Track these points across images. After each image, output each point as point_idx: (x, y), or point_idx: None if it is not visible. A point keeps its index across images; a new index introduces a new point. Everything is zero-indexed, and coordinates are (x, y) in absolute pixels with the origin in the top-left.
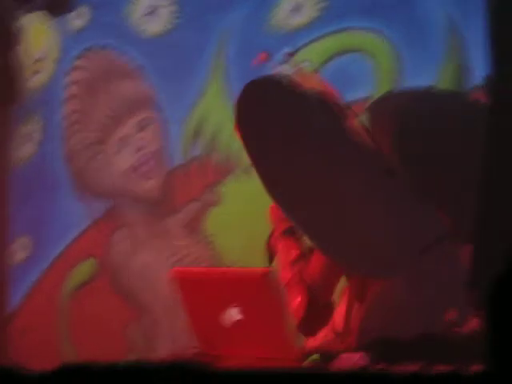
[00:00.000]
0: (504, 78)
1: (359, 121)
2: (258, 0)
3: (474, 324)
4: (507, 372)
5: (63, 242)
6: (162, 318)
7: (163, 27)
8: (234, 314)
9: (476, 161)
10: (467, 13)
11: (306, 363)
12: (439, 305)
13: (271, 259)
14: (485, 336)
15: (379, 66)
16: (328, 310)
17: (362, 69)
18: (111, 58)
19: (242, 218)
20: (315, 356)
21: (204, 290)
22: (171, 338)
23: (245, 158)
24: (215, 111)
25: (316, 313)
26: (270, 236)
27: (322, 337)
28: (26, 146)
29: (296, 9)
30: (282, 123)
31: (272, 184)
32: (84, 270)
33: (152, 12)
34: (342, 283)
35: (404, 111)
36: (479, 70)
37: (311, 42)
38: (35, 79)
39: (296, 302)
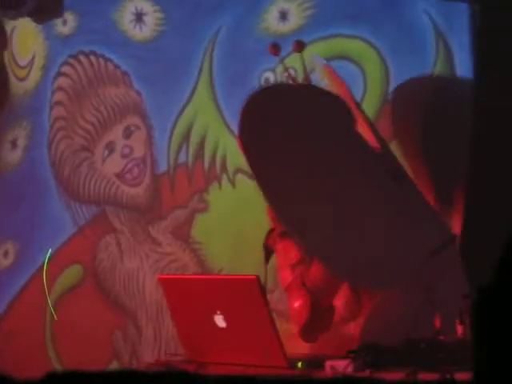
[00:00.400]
0: (488, 82)
1: (366, 119)
2: (246, 7)
3: (459, 332)
4: (494, 381)
5: (50, 248)
6: (147, 324)
7: (150, 34)
8: (220, 321)
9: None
10: (452, 19)
11: (292, 370)
12: (426, 312)
13: (268, 258)
14: (471, 345)
15: (366, 73)
16: (329, 314)
17: (350, 75)
18: (98, 65)
19: (229, 225)
20: (302, 363)
21: (190, 297)
22: (156, 345)
23: (231, 165)
24: (202, 118)
25: (318, 318)
26: (268, 235)
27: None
28: (12, 152)
29: (283, 16)
30: (285, 132)
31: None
32: (70, 276)
33: (139, 19)
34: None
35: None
36: (465, 74)
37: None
38: (22, 85)
39: (297, 306)
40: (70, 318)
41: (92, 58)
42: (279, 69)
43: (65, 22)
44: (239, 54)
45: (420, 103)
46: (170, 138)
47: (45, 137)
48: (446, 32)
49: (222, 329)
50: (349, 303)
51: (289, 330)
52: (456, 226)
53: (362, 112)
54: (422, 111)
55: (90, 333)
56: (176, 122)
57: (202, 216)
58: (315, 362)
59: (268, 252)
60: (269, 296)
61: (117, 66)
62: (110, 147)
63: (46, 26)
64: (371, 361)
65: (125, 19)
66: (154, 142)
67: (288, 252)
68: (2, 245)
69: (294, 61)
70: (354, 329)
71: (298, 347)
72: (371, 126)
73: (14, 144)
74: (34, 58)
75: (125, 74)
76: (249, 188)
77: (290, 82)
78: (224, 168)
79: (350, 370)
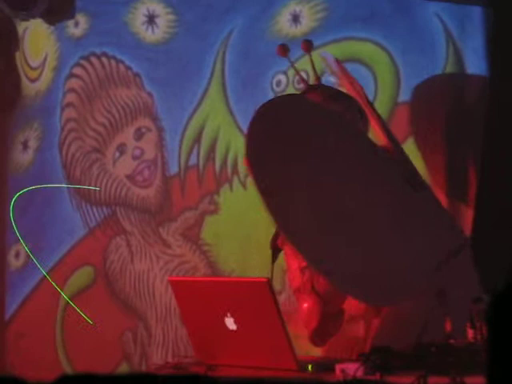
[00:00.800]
0: (502, 86)
1: (380, 119)
2: (259, 9)
3: (470, 336)
4: None
5: (61, 250)
6: (156, 326)
7: (162, 36)
8: (230, 324)
9: None
10: (464, 22)
11: (303, 373)
12: (437, 316)
13: (275, 257)
14: (484, 349)
15: (378, 76)
16: (339, 318)
17: (361, 78)
18: (109, 66)
19: (239, 227)
20: (312, 366)
21: (201, 299)
22: (166, 347)
23: (242, 167)
24: (213, 120)
25: (327, 322)
26: (277, 235)
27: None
28: (24, 153)
29: (295, 18)
30: (296, 143)
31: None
32: (81, 277)
33: (151, 21)
34: None
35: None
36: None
37: (293, 62)
38: (34, 86)
39: (307, 311)
40: (81, 319)
41: (103, 59)
42: (291, 71)
43: (76, 24)
44: (251, 57)
45: (440, 102)
46: (181, 140)
47: (56, 138)
48: (458, 35)
49: (233, 331)
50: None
51: (297, 332)
52: (467, 228)
53: (376, 111)
54: (442, 110)
55: (100, 334)
56: (187, 124)
57: (212, 218)
58: (325, 365)
59: (275, 251)
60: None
61: (128, 68)
62: (121, 149)
63: (57, 27)
64: (382, 364)
65: (137, 21)
66: (165, 143)
67: (298, 254)
68: (13, 246)
69: (305, 63)
70: (364, 332)
71: (308, 350)
72: (384, 126)
73: (25, 145)
74: (45, 59)
75: (136, 75)
76: None
77: (301, 84)
78: (235, 170)
79: (360, 373)
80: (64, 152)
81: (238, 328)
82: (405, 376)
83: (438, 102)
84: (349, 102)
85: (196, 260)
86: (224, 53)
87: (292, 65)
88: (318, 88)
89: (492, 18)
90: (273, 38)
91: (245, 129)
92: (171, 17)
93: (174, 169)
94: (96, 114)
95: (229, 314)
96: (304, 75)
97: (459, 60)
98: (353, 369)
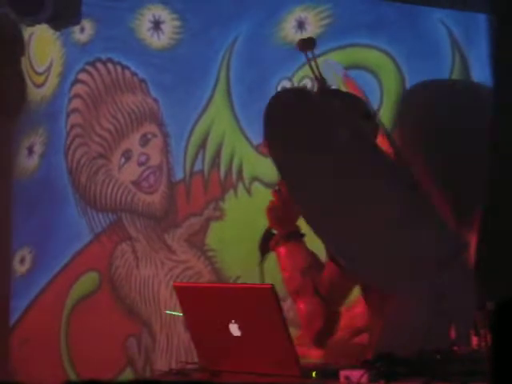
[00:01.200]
0: (507, 92)
1: (382, 127)
2: (264, 15)
3: (474, 343)
4: None
5: (66, 255)
6: (161, 332)
7: (168, 42)
8: (234, 330)
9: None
10: (469, 29)
11: (306, 380)
12: (441, 323)
13: (263, 258)
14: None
15: (383, 82)
16: (336, 319)
17: (366, 85)
18: (115, 72)
19: (244, 233)
20: (316, 372)
21: (205, 305)
22: (170, 353)
23: (247, 173)
24: (218, 126)
25: (328, 323)
26: (267, 236)
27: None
28: (29, 159)
29: (301, 25)
30: (306, 134)
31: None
32: (86, 283)
33: (157, 27)
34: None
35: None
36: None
37: (315, 57)
38: (39, 91)
39: (311, 313)
40: (86, 325)
41: (109, 65)
42: (296, 77)
43: (82, 30)
44: (256, 63)
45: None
46: (187, 146)
47: (61, 144)
48: (463, 42)
49: (237, 337)
50: (365, 313)
51: (302, 339)
52: (472, 236)
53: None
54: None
55: (104, 339)
56: (192, 130)
57: (217, 224)
58: (329, 372)
59: (264, 252)
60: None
61: (134, 74)
62: (127, 155)
63: (63, 32)
64: (386, 371)
65: (142, 27)
66: (170, 149)
67: (295, 255)
68: (18, 251)
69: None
70: (368, 339)
71: (312, 356)
72: (387, 133)
73: (30, 150)
74: (51, 64)
75: (142, 81)
76: (265, 196)
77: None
78: (240, 176)
79: (364, 380)
80: (69, 158)
81: (242, 334)
82: (409, 383)
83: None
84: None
85: (201, 266)
86: (229, 59)
87: (310, 61)
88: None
89: (497, 25)
90: (278, 44)
91: (250, 134)
92: (177, 23)
93: (179, 175)
94: (102, 119)
95: (233, 321)
96: (308, 81)
97: (464, 67)
98: (357, 376)
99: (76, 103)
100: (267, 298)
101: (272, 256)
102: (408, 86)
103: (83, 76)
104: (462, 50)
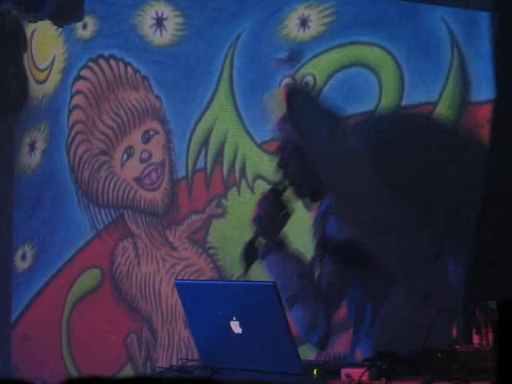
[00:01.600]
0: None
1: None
2: (267, 13)
3: (475, 342)
4: None
5: (68, 252)
6: (162, 329)
7: (170, 39)
8: (236, 327)
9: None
10: (471, 27)
11: (308, 377)
12: (442, 322)
13: (247, 269)
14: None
15: (382, 80)
16: (331, 319)
17: (367, 83)
18: (118, 69)
19: (246, 231)
20: (317, 370)
21: (206, 302)
22: (171, 350)
23: (250, 171)
24: (221, 124)
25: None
26: (255, 242)
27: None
28: (31, 155)
29: (304, 22)
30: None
31: None
32: (89, 279)
33: (159, 23)
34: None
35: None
36: (482, 83)
37: (317, 54)
38: (41, 88)
39: (312, 316)
40: (87, 321)
41: (112, 61)
42: (298, 75)
43: (85, 26)
44: (259, 60)
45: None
46: (189, 143)
47: (63, 140)
48: (464, 40)
49: (238, 335)
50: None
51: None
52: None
53: None
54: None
55: (105, 336)
56: (195, 127)
57: (219, 222)
58: (331, 370)
59: (248, 264)
60: None
61: (136, 71)
62: (129, 152)
63: (66, 29)
64: (387, 369)
65: (145, 24)
66: (172, 147)
67: (291, 262)
68: (19, 247)
69: (311, 67)
70: (368, 337)
71: (313, 355)
72: None
73: (32, 147)
74: (53, 61)
75: (144, 78)
76: None
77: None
78: (243, 174)
79: (365, 378)
80: (72, 154)
81: (243, 331)
82: (410, 381)
83: None
84: None
85: (202, 263)
86: (232, 56)
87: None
88: None
89: (498, 24)
90: (281, 41)
91: (253, 132)
92: (179, 20)
93: (181, 172)
94: (104, 116)
95: (234, 318)
96: (310, 79)
97: (464, 65)
98: (358, 374)
99: (78, 100)
100: (269, 296)
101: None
102: (407, 83)
103: (85, 72)
104: (462, 49)
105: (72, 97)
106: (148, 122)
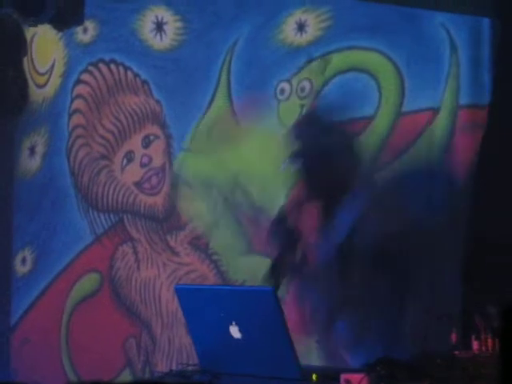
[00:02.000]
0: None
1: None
2: (264, 18)
3: (475, 348)
4: None
5: (68, 256)
6: (161, 333)
7: (170, 43)
8: (235, 332)
9: None
10: (471, 34)
11: (307, 382)
12: (442, 328)
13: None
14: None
15: (382, 85)
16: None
17: (365, 87)
18: (118, 73)
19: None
20: (316, 375)
21: (205, 307)
22: (170, 355)
23: (247, 175)
24: (219, 128)
25: None
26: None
27: None
28: (31, 159)
29: (301, 27)
30: None
31: None
32: (88, 283)
33: (159, 28)
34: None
35: None
36: (481, 89)
37: (315, 59)
38: (41, 92)
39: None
40: (86, 326)
41: (112, 66)
42: (295, 80)
43: (85, 30)
44: (256, 65)
45: None
46: None
47: (63, 144)
48: (462, 46)
49: (237, 340)
50: None
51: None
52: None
53: None
54: None
55: (104, 340)
56: (194, 131)
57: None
58: (330, 375)
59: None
60: None
61: (136, 75)
62: (129, 156)
63: (66, 33)
64: (386, 374)
65: (145, 28)
66: (172, 151)
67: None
68: (19, 252)
69: (308, 72)
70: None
71: (313, 360)
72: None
73: (32, 151)
74: (53, 65)
75: (144, 82)
76: None
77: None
78: (242, 178)
79: (364, 383)
80: (72, 158)
81: (242, 336)
82: None
83: None
84: None
85: (205, 269)
86: (230, 61)
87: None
88: None
89: (498, 30)
90: (278, 46)
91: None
92: (179, 24)
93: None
94: (104, 120)
95: (234, 323)
96: (307, 83)
97: (463, 71)
98: (357, 379)
99: (78, 104)
100: (268, 301)
101: None
102: (407, 89)
103: (86, 77)
104: (461, 54)
105: (72, 101)
106: (148, 126)
